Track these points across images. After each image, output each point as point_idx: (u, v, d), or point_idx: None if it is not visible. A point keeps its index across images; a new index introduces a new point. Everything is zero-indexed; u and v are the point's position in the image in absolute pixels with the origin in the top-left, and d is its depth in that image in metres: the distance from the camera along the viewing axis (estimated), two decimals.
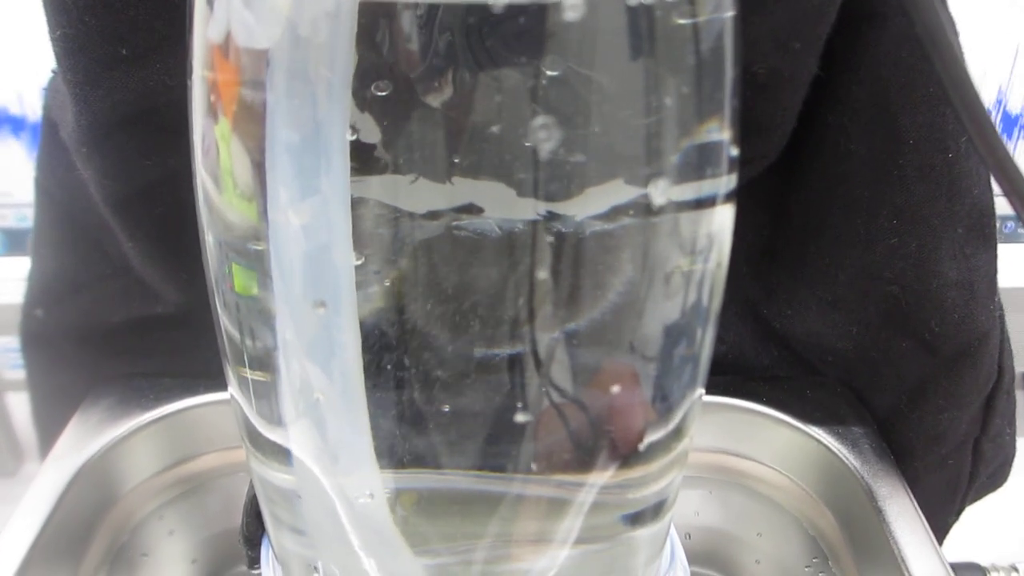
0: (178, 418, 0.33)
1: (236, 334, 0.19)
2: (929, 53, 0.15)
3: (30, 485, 0.30)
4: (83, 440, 0.31)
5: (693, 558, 0.35)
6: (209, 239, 0.19)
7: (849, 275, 0.30)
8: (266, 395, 0.20)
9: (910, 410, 0.31)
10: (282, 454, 0.21)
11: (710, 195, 0.19)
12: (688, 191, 0.19)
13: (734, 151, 0.19)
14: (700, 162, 0.19)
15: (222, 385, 0.33)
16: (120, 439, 0.32)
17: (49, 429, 0.34)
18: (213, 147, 0.18)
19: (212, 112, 0.18)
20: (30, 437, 0.61)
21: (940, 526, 0.35)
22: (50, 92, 0.27)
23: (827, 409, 0.32)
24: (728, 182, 0.19)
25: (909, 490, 0.29)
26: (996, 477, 0.36)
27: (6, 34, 0.46)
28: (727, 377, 0.34)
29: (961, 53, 0.18)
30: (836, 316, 0.31)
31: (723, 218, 0.19)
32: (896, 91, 0.25)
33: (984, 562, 0.44)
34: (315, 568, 0.21)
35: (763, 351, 0.34)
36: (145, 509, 0.33)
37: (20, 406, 0.59)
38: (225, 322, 0.20)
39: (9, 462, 0.59)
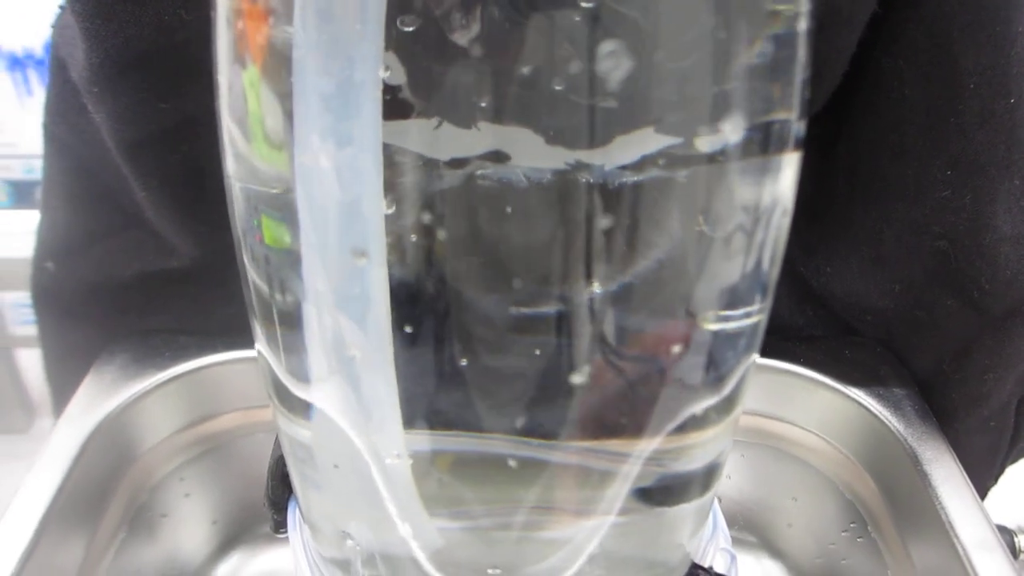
0: (196, 376, 0.32)
1: (265, 288, 0.18)
2: None
3: (45, 443, 0.30)
4: (98, 398, 0.31)
5: (728, 521, 0.34)
6: (236, 189, 0.18)
7: (896, 230, 0.28)
8: (296, 351, 0.19)
9: (953, 371, 0.30)
10: (311, 412, 0.20)
11: (779, 144, 0.17)
12: (752, 144, 0.18)
13: (806, 94, 0.17)
14: (766, 111, 0.17)
15: (240, 343, 0.33)
16: (136, 397, 0.31)
17: (62, 386, 0.34)
18: (240, 92, 0.17)
19: (239, 55, 0.17)
20: (41, 394, 0.60)
21: (979, 490, 0.34)
22: (58, 29, 0.26)
23: (867, 370, 0.31)
24: (798, 131, 0.18)
25: (954, 454, 0.28)
26: None
27: None
28: (768, 337, 0.34)
29: None
30: (879, 273, 0.30)
31: (789, 171, 0.18)
32: (958, 31, 0.24)
33: (1011, 524, 0.45)
34: (347, 533, 0.20)
35: (798, 311, 0.33)
36: (163, 469, 0.33)
37: (30, 362, 0.61)
38: (253, 276, 0.19)
39: (20, 419, 0.59)
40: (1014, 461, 0.37)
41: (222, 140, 0.18)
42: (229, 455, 0.34)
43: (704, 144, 0.17)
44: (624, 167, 0.17)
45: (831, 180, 0.30)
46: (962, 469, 0.28)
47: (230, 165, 0.19)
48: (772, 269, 0.20)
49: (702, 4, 0.15)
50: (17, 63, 0.47)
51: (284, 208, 0.18)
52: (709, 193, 0.18)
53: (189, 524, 0.34)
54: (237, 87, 0.18)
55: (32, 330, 0.56)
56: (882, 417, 0.29)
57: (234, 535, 0.36)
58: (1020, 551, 0.45)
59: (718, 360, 0.20)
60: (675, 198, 0.18)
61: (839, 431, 0.32)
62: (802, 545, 0.34)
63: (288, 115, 0.17)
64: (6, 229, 0.52)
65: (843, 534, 0.32)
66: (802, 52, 0.17)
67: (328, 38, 0.16)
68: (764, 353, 0.33)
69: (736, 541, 0.34)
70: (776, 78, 0.17)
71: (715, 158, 0.17)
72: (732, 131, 0.17)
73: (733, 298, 0.19)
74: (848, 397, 0.31)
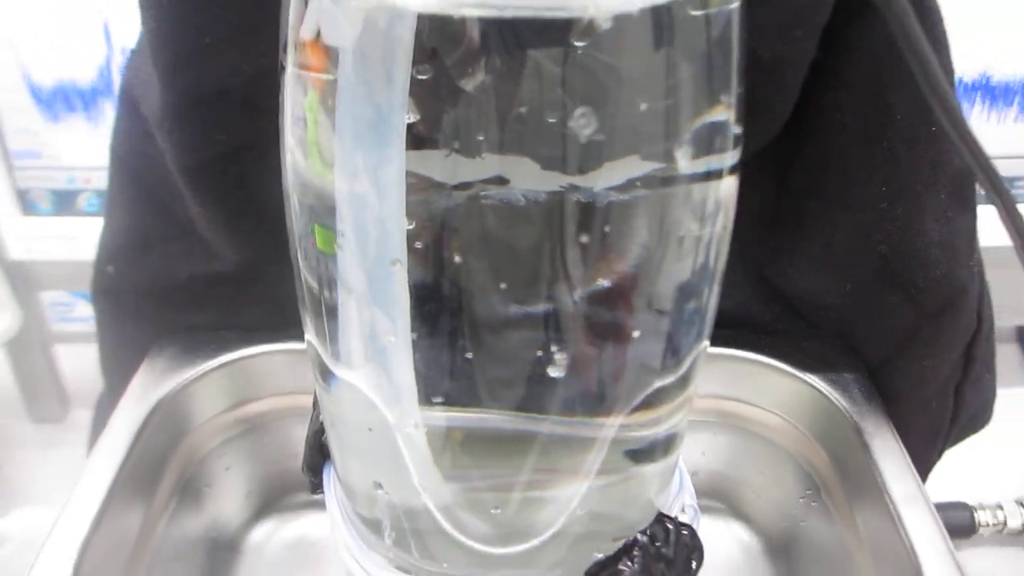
0: (236, 366, 0.37)
1: (315, 286, 0.23)
2: (903, 48, 0.18)
3: (109, 424, 0.34)
4: (152, 385, 0.35)
5: (700, 493, 0.38)
6: (294, 201, 0.22)
7: (843, 237, 0.33)
8: (338, 339, 0.24)
9: (897, 358, 0.35)
10: (350, 389, 0.25)
11: (717, 168, 0.22)
12: (698, 165, 0.22)
13: (738, 129, 0.22)
14: (709, 139, 0.22)
15: (275, 337, 0.37)
16: (185, 384, 0.35)
17: (116, 375, 0.38)
18: (301, 118, 0.21)
19: (302, 87, 0.21)
20: (76, 386, 0.63)
21: (925, 463, 0.39)
22: (130, 71, 0.30)
23: (821, 358, 0.35)
24: (733, 156, 0.22)
25: (893, 427, 0.33)
26: (977, 419, 0.40)
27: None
28: (734, 331, 0.38)
29: (943, 39, 0.21)
30: (831, 275, 0.34)
31: (728, 188, 0.22)
32: (887, 72, 0.28)
33: (972, 501, 0.49)
34: (378, 484, 0.25)
35: (766, 308, 0.38)
36: (208, 446, 0.37)
37: (67, 357, 0.63)
38: (306, 275, 0.23)
39: (57, 409, 0.62)
40: (956, 441, 0.42)
41: (284, 159, 0.22)
42: (264, 434, 0.39)
43: (669, 169, 0.22)
44: (607, 188, 0.21)
45: (790, 194, 0.34)
46: (899, 440, 0.32)
47: (290, 180, 0.23)
48: (717, 267, 0.24)
49: (659, 71, 0.20)
50: (57, 93, 0.51)
51: (333, 219, 0.22)
52: (670, 208, 0.22)
53: (229, 494, 0.38)
54: (298, 113, 0.22)
55: (68, 327, 0.59)
56: (832, 398, 0.34)
57: (267, 504, 0.40)
58: (979, 525, 0.49)
59: (676, 346, 0.24)
60: (644, 212, 0.22)
61: (797, 411, 0.36)
62: (766, 511, 0.38)
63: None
64: (49, 233, 0.56)
65: (800, 500, 0.36)
66: (737, 108, 0.22)
67: (364, 84, 0.21)
68: (734, 344, 0.39)
69: (710, 509, 0.39)
70: (716, 128, 0.21)
71: (677, 181, 0.22)
72: (687, 160, 0.22)
73: (687, 293, 0.23)
74: (805, 382, 0.35)
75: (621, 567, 0.24)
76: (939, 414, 0.36)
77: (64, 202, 0.55)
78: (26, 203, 0.54)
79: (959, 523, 0.50)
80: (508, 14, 0.17)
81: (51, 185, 0.55)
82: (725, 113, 0.21)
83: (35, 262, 0.55)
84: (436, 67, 0.19)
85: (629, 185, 0.21)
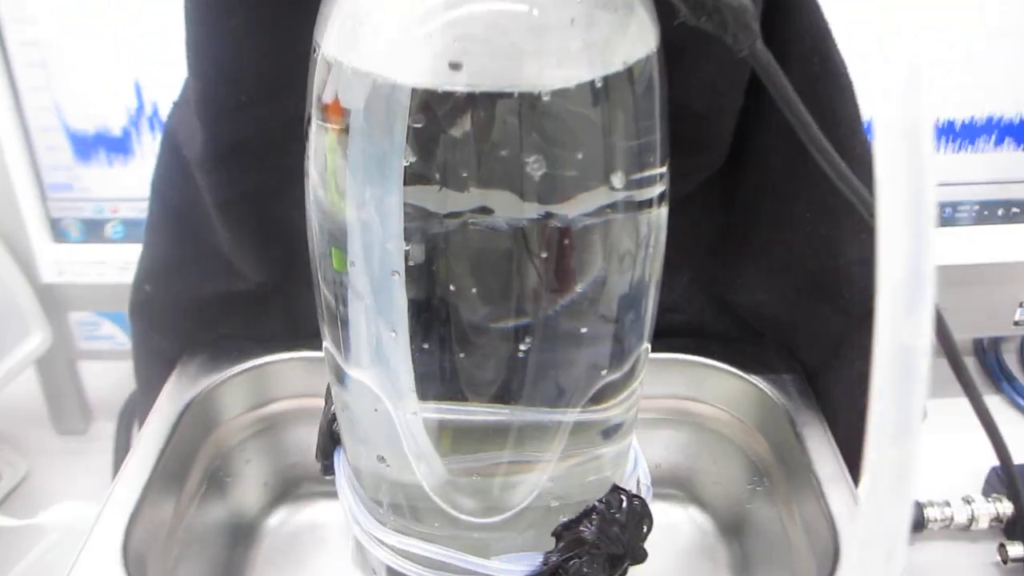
0: (256, 372, 0.41)
1: (332, 301, 0.28)
2: (781, 107, 0.23)
3: (146, 424, 0.38)
4: (183, 389, 0.40)
5: (663, 482, 0.43)
6: (315, 227, 0.27)
7: (780, 257, 0.38)
8: (350, 343, 0.28)
9: (833, 360, 0.39)
10: (359, 385, 0.30)
11: (648, 198, 0.27)
12: (632, 197, 0.27)
13: (663, 169, 0.27)
14: (639, 176, 0.27)
15: (290, 346, 0.43)
16: (212, 387, 0.40)
17: (149, 382, 0.42)
18: (323, 155, 0.26)
19: (323, 139, 0.26)
20: (98, 400, 0.64)
21: (859, 455, 0.43)
22: (174, 119, 0.35)
23: (764, 362, 0.40)
24: (660, 188, 0.27)
25: (824, 421, 0.37)
26: None
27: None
28: (691, 340, 0.42)
29: (848, 88, 0.26)
30: (772, 289, 0.39)
31: (658, 215, 0.27)
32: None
33: (922, 499, 0.50)
34: (382, 458, 0.29)
35: (718, 319, 0.42)
36: (231, 442, 0.41)
37: (91, 373, 0.64)
38: (324, 291, 0.28)
39: (80, 422, 0.64)
40: None
41: (308, 193, 0.27)
42: (279, 432, 0.43)
43: (608, 201, 0.26)
44: (568, 216, 0.26)
45: (735, 222, 0.39)
46: (827, 429, 0.37)
47: (312, 209, 0.27)
48: (653, 280, 0.29)
49: (593, 128, 0.25)
50: (90, 137, 0.56)
51: (346, 241, 0.27)
52: (612, 232, 0.27)
53: (248, 484, 0.42)
54: (320, 156, 0.27)
55: (92, 344, 0.60)
56: (773, 396, 0.38)
57: (282, 493, 0.44)
58: (928, 521, 0.50)
59: (623, 351, 0.29)
60: (595, 236, 0.26)
61: (744, 408, 0.40)
62: (719, 496, 0.43)
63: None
64: (78, 259, 0.59)
65: (748, 487, 0.40)
66: (661, 152, 0.27)
67: (371, 135, 0.25)
68: (691, 351, 0.43)
69: (671, 496, 0.43)
70: (645, 167, 0.26)
71: (615, 210, 0.26)
72: (622, 194, 0.26)
73: (629, 301, 0.28)
74: (750, 382, 0.40)
75: (582, 528, 0.29)
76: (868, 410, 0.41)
77: (92, 230, 0.58)
78: (58, 231, 0.57)
79: (912, 519, 0.55)
80: (477, 91, 0.23)
81: (81, 215, 0.57)
82: (651, 156, 0.26)
83: (65, 285, 0.58)
84: (428, 119, 0.24)
85: (582, 215, 0.26)
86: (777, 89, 0.22)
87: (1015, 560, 0.49)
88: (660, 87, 0.25)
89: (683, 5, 0.21)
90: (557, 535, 0.29)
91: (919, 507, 0.52)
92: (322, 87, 0.25)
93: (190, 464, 0.38)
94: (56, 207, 0.57)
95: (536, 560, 0.29)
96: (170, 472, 0.37)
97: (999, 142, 0.58)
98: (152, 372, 0.42)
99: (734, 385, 0.41)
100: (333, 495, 0.34)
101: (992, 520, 0.50)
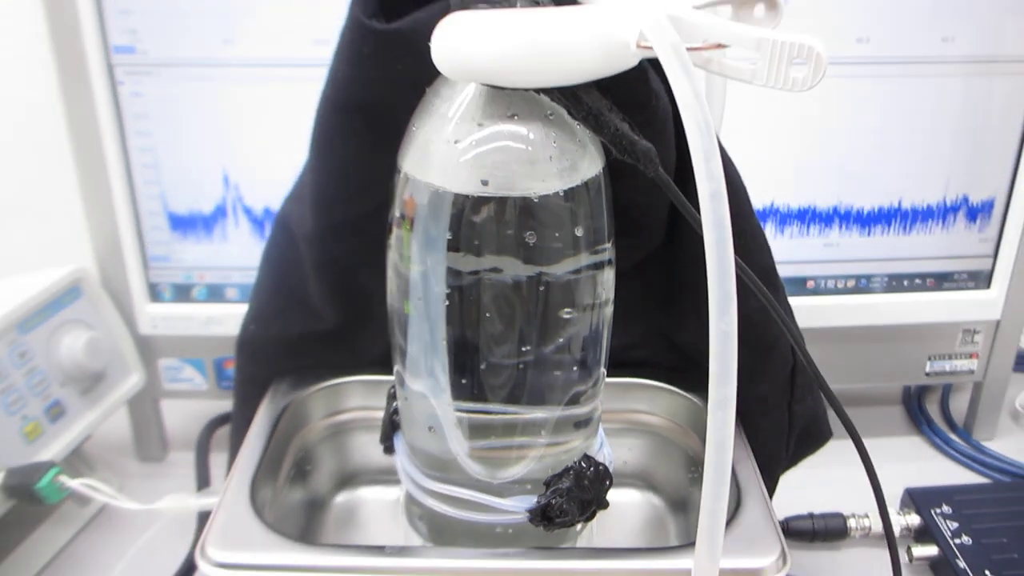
0: (329, 390, 0.50)
1: (400, 333, 0.39)
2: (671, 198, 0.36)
3: (251, 427, 0.48)
4: (277, 403, 0.49)
5: (628, 475, 0.53)
6: (393, 284, 0.39)
7: (707, 310, 0.50)
8: (409, 361, 0.40)
9: (747, 383, 0.44)
10: (415, 389, 0.40)
11: (601, 262, 0.38)
12: (590, 262, 0.38)
13: (611, 244, 0.39)
14: (595, 249, 0.38)
15: (354, 372, 0.52)
16: (298, 401, 0.49)
17: (247, 399, 0.51)
18: (400, 237, 0.38)
19: (399, 224, 0.38)
20: (175, 433, 0.73)
21: (772, 472, 0.51)
22: (288, 207, 0.47)
23: (700, 384, 0.45)
24: (610, 259, 0.39)
25: (741, 426, 0.47)
26: (812, 434, 0.52)
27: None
28: (647, 369, 0.51)
29: (736, 180, 0.39)
30: (703, 333, 0.48)
31: (608, 276, 0.39)
32: None
33: (846, 512, 0.59)
34: (431, 428, 0.42)
35: (667, 355, 0.51)
36: (311, 442, 0.50)
37: (170, 410, 0.72)
38: (397, 330, 0.39)
39: (159, 450, 0.72)
40: (803, 451, 0.53)
41: (389, 258, 0.38)
42: (344, 436, 0.51)
43: (576, 265, 0.38)
44: (550, 275, 0.37)
45: (675, 282, 0.48)
46: (743, 431, 0.46)
47: (391, 272, 0.39)
48: (606, 322, 0.40)
49: (566, 216, 0.37)
50: (186, 218, 0.64)
51: (414, 295, 0.38)
52: (579, 287, 0.38)
53: (322, 472, 0.50)
54: (398, 234, 0.38)
55: (176, 386, 0.68)
56: (704, 409, 0.48)
57: (344, 480, 0.52)
58: (850, 530, 0.59)
59: (589, 368, 0.40)
60: (569, 290, 0.38)
61: (684, 418, 0.50)
62: (668, 483, 0.51)
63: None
64: (168, 315, 0.65)
65: (688, 475, 0.49)
66: (608, 232, 0.39)
67: (427, 220, 0.36)
68: (647, 377, 0.52)
69: (633, 484, 0.52)
70: (599, 242, 0.38)
71: (580, 271, 0.38)
72: (584, 261, 0.38)
73: (590, 338, 0.39)
74: (689, 399, 0.49)
75: (562, 480, 0.41)
76: (779, 424, 0.49)
77: (181, 293, 0.67)
78: (155, 293, 0.67)
79: (836, 528, 0.60)
80: (490, 195, 0.35)
81: (173, 280, 0.66)
82: (601, 235, 0.38)
83: (157, 336, 0.67)
84: (462, 212, 0.36)
85: (560, 273, 0.37)
86: (674, 196, 0.36)
87: (919, 559, 0.57)
88: (605, 193, 0.39)
89: (613, 148, 0.34)
90: (546, 483, 0.41)
91: (843, 518, 0.60)
92: (401, 192, 0.37)
93: (283, 457, 0.47)
94: (155, 274, 0.67)
95: (531, 500, 0.40)
96: (269, 463, 0.45)
97: (906, 228, 0.68)
98: (250, 392, 0.51)
99: (678, 401, 0.50)
100: (381, 483, 0.45)
101: (903, 529, 0.60)
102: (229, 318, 0.66)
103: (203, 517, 0.63)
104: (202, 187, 0.64)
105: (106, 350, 0.64)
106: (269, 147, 0.63)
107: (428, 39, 0.33)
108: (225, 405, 0.73)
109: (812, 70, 0.27)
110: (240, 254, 0.67)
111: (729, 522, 0.39)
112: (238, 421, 0.53)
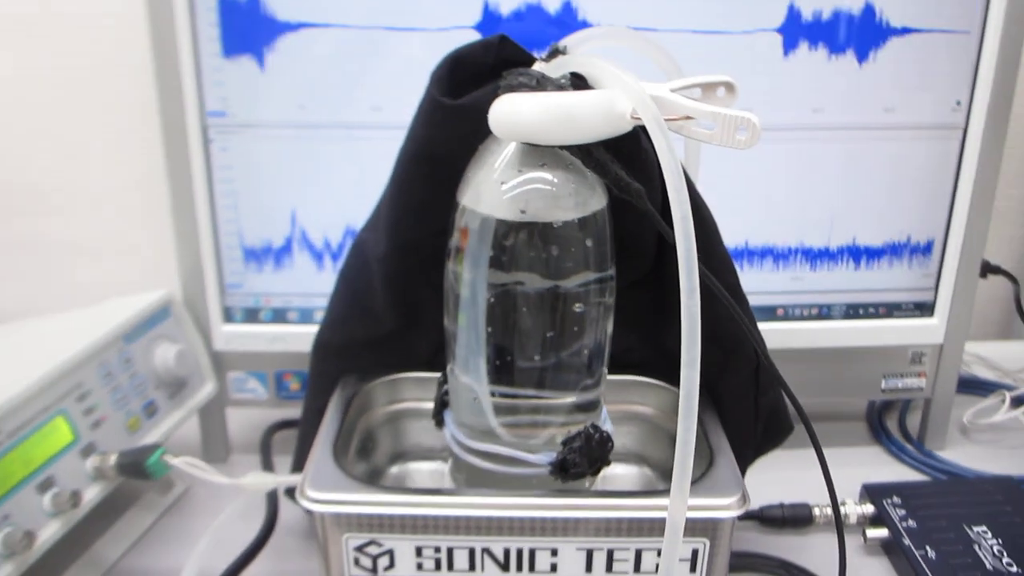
0: (387, 384, 0.58)
1: (452, 335, 0.50)
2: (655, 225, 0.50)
3: (326, 413, 0.56)
4: (346, 393, 0.56)
5: (625, 454, 0.63)
6: (450, 300, 0.50)
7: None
8: (461, 361, 0.51)
9: (718, 378, 0.54)
10: (461, 377, 0.51)
11: (604, 277, 0.50)
12: (597, 277, 0.50)
13: (612, 264, 0.51)
14: (600, 267, 0.50)
15: (408, 368, 0.63)
16: (363, 392, 0.57)
17: (319, 393, 0.58)
18: (455, 259, 0.51)
19: (456, 247, 0.50)
20: (237, 436, 0.82)
21: (746, 443, 0.59)
22: (364, 234, 0.56)
23: None
24: (611, 274, 0.51)
25: (716, 412, 0.57)
26: (776, 426, 0.60)
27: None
28: (641, 369, 0.58)
29: (708, 219, 0.52)
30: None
31: (612, 291, 0.51)
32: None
33: (812, 502, 0.68)
34: (476, 398, 0.54)
35: (658, 358, 0.57)
36: (372, 425, 0.58)
37: (234, 417, 0.81)
38: (450, 334, 0.50)
39: (223, 452, 0.81)
40: (769, 442, 0.60)
41: (446, 275, 0.50)
42: (399, 420, 0.59)
43: (587, 279, 0.50)
44: (568, 288, 0.50)
45: (665, 299, 0.54)
46: (717, 417, 0.57)
47: (448, 291, 0.50)
48: (607, 329, 0.51)
49: (579, 239, 0.49)
50: (258, 250, 0.74)
51: (463, 308, 0.49)
52: (589, 297, 0.49)
53: (381, 450, 0.58)
54: (453, 255, 0.49)
55: (241, 395, 0.77)
56: None
57: (398, 455, 0.60)
58: (815, 517, 0.68)
59: (593, 364, 0.50)
60: (580, 300, 0.49)
61: (670, 407, 0.57)
62: (659, 460, 0.58)
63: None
64: (239, 334, 0.74)
65: (673, 453, 0.62)
66: (611, 254, 0.51)
67: (476, 243, 0.48)
68: (641, 374, 0.62)
69: (630, 461, 0.60)
70: (603, 262, 0.51)
71: (589, 284, 0.49)
72: (593, 276, 0.51)
73: (596, 340, 0.50)
74: (675, 392, 0.56)
75: (575, 441, 0.52)
76: (746, 413, 0.57)
77: (250, 315, 0.76)
78: (228, 315, 0.76)
79: (803, 515, 0.69)
80: (523, 220, 0.48)
81: (244, 304, 0.76)
82: (606, 257, 0.49)
83: (228, 352, 0.76)
84: (502, 235, 0.48)
85: (573, 289, 0.49)
86: (657, 223, 0.48)
87: (872, 539, 0.66)
88: (609, 223, 0.51)
89: (614, 188, 0.47)
90: (564, 443, 0.51)
91: (809, 508, 0.69)
92: (459, 221, 0.47)
93: (351, 435, 0.54)
94: (229, 298, 0.76)
95: (552, 455, 0.51)
96: (341, 442, 0.51)
97: (861, 265, 0.77)
98: (322, 386, 0.59)
99: (666, 395, 0.58)
100: (428, 459, 0.55)
101: (860, 516, 0.69)
102: (291, 337, 0.76)
103: (271, 500, 0.73)
104: (273, 226, 0.74)
105: (190, 361, 0.73)
106: (330, 193, 0.73)
107: (483, 111, 0.46)
108: (281, 413, 0.85)
109: (750, 135, 0.40)
110: (301, 282, 0.76)
111: (703, 476, 0.49)
112: (308, 412, 0.63)
